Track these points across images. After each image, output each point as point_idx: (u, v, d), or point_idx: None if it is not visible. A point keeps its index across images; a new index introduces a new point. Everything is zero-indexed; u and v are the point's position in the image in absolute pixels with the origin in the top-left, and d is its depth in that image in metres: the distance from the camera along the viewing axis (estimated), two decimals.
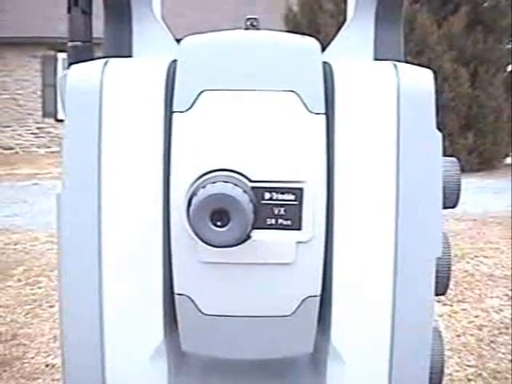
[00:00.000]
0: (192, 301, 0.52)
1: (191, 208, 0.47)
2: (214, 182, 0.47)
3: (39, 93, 13.35)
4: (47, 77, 13.04)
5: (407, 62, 0.62)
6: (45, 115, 13.37)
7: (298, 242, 0.51)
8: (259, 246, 0.51)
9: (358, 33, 0.72)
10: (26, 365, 2.47)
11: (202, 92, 0.51)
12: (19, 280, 3.59)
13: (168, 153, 0.52)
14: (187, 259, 0.51)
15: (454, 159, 0.59)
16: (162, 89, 0.53)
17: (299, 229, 0.51)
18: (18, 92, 13.46)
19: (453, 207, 0.58)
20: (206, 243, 0.48)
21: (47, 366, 2.46)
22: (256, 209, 0.48)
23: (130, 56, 0.72)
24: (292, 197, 0.51)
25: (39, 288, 3.44)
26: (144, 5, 0.71)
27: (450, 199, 0.58)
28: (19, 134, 13.50)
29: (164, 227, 0.53)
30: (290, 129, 0.51)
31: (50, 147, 13.30)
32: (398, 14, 0.73)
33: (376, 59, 0.72)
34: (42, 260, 4.01)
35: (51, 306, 3.13)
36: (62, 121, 13.25)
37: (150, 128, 0.53)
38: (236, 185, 0.47)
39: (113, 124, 0.53)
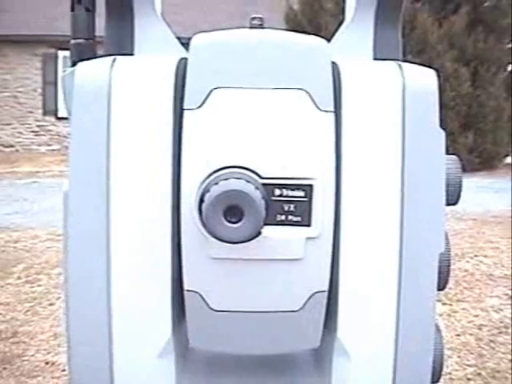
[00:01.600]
0: (201, 297, 0.53)
1: (204, 204, 0.47)
2: (226, 179, 0.47)
3: (40, 91, 13.36)
4: (48, 75, 13.05)
5: (406, 61, 0.63)
6: (45, 113, 13.38)
7: (308, 238, 0.52)
8: (269, 242, 0.51)
9: (357, 32, 0.73)
10: (25, 362, 2.47)
11: (213, 89, 0.51)
12: (19, 278, 3.60)
13: (178, 150, 0.52)
14: (197, 256, 0.51)
15: (455, 157, 0.60)
16: (172, 87, 0.53)
17: (309, 225, 0.51)
18: (19, 90, 13.46)
19: (454, 204, 0.59)
20: (218, 239, 0.48)
21: (47, 363, 2.47)
22: (267, 205, 0.48)
23: (132, 54, 0.71)
24: (302, 193, 0.51)
25: (39, 286, 3.45)
26: (146, 2, 0.71)
27: (452, 196, 0.58)
28: (20, 132, 13.51)
29: (173, 225, 0.53)
30: (299, 126, 0.51)
31: (50, 145, 13.32)
32: (397, 13, 0.73)
33: (375, 59, 0.73)
34: (42, 258, 4.01)
35: (51, 304, 3.13)
36: (62, 119, 13.28)
37: (159, 126, 0.53)
38: (248, 181, 0.47)
39: (121, 122, 0.53)
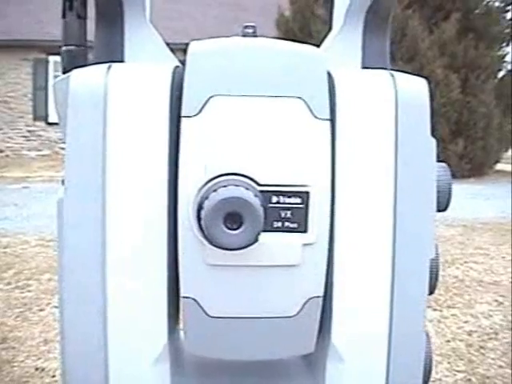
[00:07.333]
0: (198, 303, 0.53)
1: (203, 211, 0.47)
2: (225, 186, 0.48)
3: (30, 96, 13.34)
4: (38, 80, 13.03)
5: (394, 69, 0.63)
6: (36, 118, 13.35)
7: (304, 244, 0.52)
8: (266, 248, 0.51)
9: (346, 41, 0.73)
10: (15, 368, 2.46)
11: (211, 97, 0.51)
12: (9, 283, 3.58)
13: (174, 158, 0.52)
14: (194, 262, 0.52)
15: (444, 165, 0.61)
16: (168, 94, 0.53)
17: (305, 231, 0.52)
18: (9, 95, 13.43)
19: (443, 210, 0.60)
20: (217, 246, 0.48)
21: (37, 369, 2.45)
22: (265, 212, 0.49)
23: (122, 61, 0.71)
24: (298, 200, 0.51)
25: (29, 291, 3.44)
26: (137, 9, 0.70)
27: (442, 203, 0.60)
28: (10, 137, 13.47)
29: (169, 232, 0.53)
30: (296, 134, 0.52)
31: (40, 150, 13.28)
32: (386, 22, 0.74)
33: (364, 67, 0.73)
34: (32, 263, 4.00)
35: (41, 310, 3.12)
36: (52, 124, 13.24)
37: (155, 133, 0.53)
38: (247, 188, 0.48)
39: (117, 129, 0.53)
